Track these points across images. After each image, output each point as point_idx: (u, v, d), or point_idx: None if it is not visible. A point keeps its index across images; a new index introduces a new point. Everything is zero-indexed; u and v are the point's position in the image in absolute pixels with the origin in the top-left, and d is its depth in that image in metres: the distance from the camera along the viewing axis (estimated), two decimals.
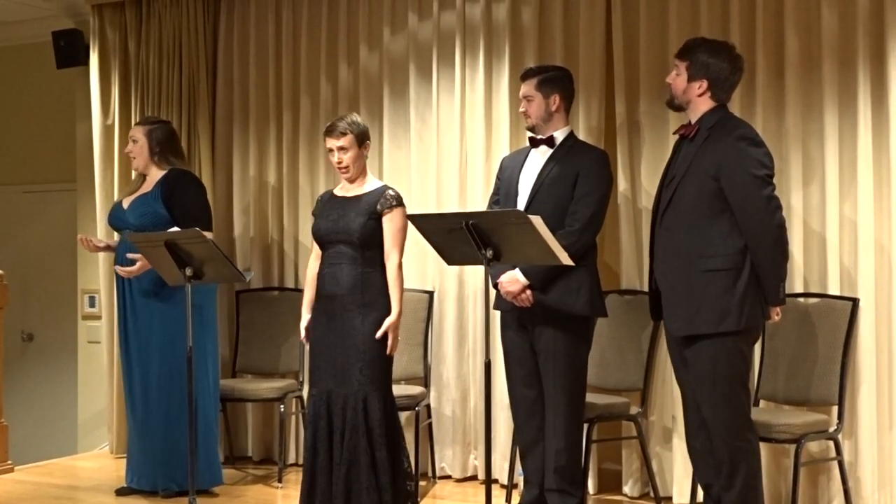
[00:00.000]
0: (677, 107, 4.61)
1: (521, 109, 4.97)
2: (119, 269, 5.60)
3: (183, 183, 5.70)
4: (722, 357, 4.35)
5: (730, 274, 4.33)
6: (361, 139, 4.91)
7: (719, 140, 4.40)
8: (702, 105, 4.50)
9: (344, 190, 4.97)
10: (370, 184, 4.95)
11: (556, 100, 4.92)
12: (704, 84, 4.48)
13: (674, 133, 4.69)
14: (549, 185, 4.86)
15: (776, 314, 4.52)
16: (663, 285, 4.52)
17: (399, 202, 4.86)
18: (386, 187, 4.92)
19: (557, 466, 4.83)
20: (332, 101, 6.40)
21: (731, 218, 4.35)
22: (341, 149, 4.88)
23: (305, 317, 4.96)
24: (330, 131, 4.91)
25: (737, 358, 4.38)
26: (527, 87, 4.94)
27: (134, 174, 5.95)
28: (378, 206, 4.82)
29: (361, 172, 4.95)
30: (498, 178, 5.16)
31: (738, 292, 4.32)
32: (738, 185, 4.32)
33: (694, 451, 4.59)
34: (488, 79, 5.89)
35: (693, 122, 4.52)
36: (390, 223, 4.82)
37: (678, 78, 4.54)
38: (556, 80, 4.95)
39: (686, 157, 4.47)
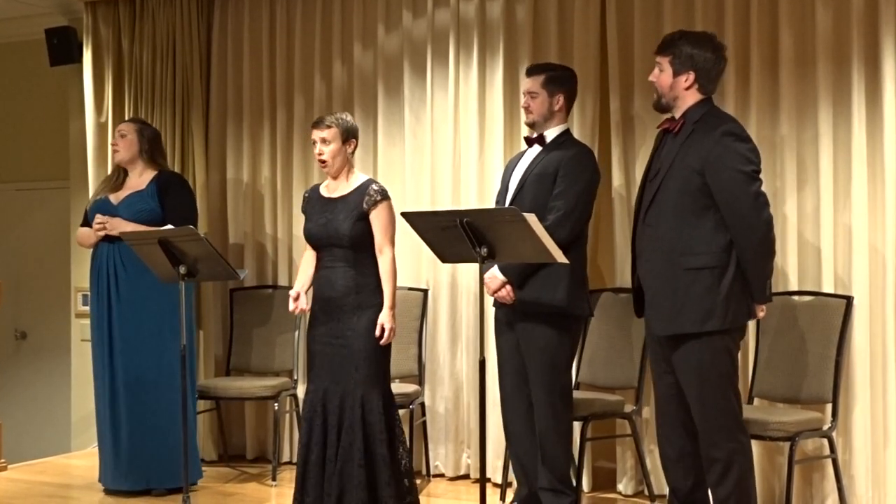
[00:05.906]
0: (665, 106, 4.46)
1: (524, 105, 4.93)
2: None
3: (178, 185, 5.79)
4: (708, 357, 4.26)
5: (714, 272, 4.23)
6: (346, 135, 4.90)
7: (704, 135, 4.28)
8: (689, 99, 4.38)
9: (329, 189, 4.96)
10: (355, 181, 4.92)
11: (559, 100, 4.89)
12: (692, 76, 4.36)
13: (657, 127, 4.60)
14: (531, 181, 4.84)
15: (761, 311, 4.42)
16: (646, 283, 4.43)
17: (383, 196, 4.84)
18: (369, 182, 4.90)
19: (548, 465, 4.83)
20: (326, 98, 6.39)
21: (716, 214, 4.24)
22: (323, 140, 4.89)
23: (296, 289, 4.90)
24: (316, 123, 4.96)
25: (724, 357, 4.29)
26: (532, 83, 4.90)
27: (112, 169, 5.99)
28: (364, 205, 4.81)
29: (344, 169, 4.93)
30: (502, 178, 5.16)
31: (724, 291, 4.23)
32: (724, 181, 4.21)
33: (666, 459, 4.52)
34: (482, 76, 5.88)
35: (678, 116, 4.41)
36: (378, 219, 4.81)
37: (662, 74, 4.42)
38: (562, 80, 4.92)
39: (670, 153, 4.37)
